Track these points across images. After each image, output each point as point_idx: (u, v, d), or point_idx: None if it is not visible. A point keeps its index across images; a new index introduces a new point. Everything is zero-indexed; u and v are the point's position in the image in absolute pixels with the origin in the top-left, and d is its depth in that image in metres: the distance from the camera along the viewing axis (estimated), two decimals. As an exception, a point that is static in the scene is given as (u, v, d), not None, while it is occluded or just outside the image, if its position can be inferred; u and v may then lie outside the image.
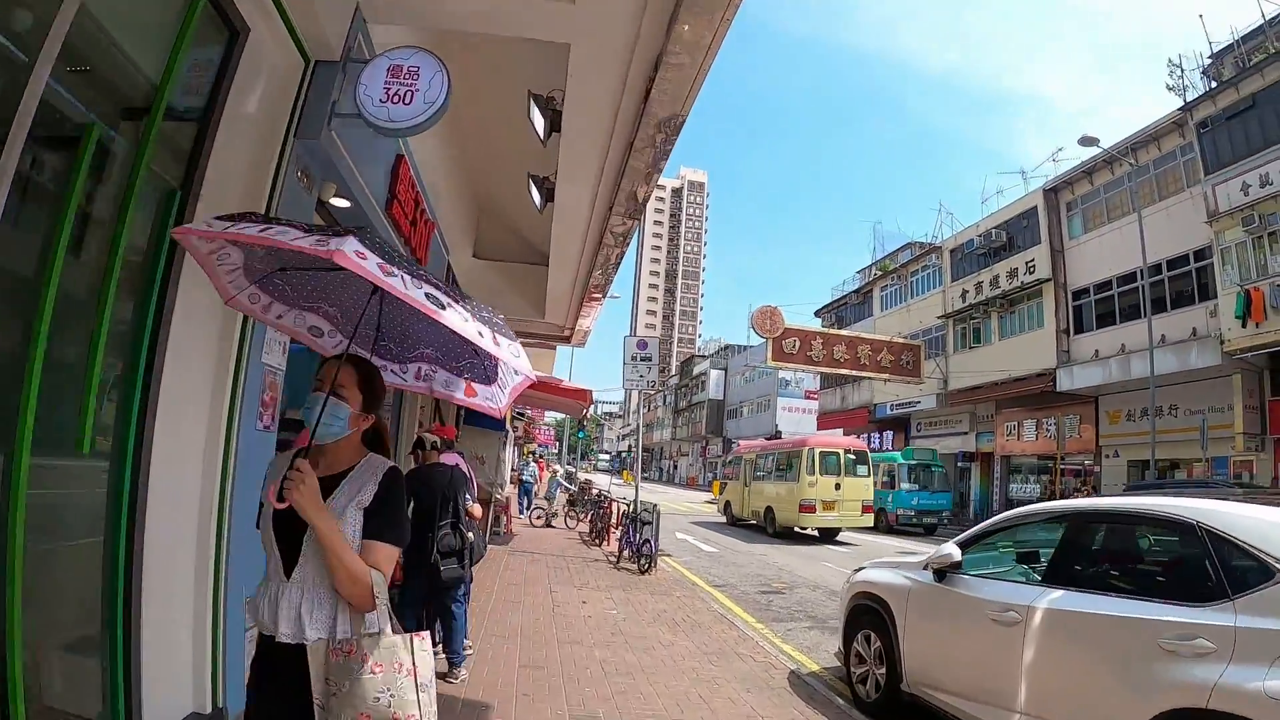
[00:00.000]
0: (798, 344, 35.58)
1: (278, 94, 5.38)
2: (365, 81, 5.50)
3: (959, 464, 40.77)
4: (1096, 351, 30.00)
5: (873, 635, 7.33)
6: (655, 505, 15.66)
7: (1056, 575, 5.56)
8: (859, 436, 48.87)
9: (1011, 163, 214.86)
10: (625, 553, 15.69)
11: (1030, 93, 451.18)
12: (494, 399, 3.47)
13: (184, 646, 4.75)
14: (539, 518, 23.90)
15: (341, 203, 6.82)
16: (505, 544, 17.53)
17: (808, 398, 69.25)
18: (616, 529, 18.15)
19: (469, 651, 7.67)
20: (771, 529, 26.68)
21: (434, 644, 7.43)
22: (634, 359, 15.71)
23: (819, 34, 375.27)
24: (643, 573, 14.37)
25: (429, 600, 7.23)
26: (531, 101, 7.70)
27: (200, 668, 4.81)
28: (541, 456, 64.83)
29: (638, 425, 19.96)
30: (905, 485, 31.44)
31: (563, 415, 53.70)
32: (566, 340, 17.79)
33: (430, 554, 6.86)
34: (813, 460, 25.70)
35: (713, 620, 10.66)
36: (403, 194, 7.95)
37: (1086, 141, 25.84)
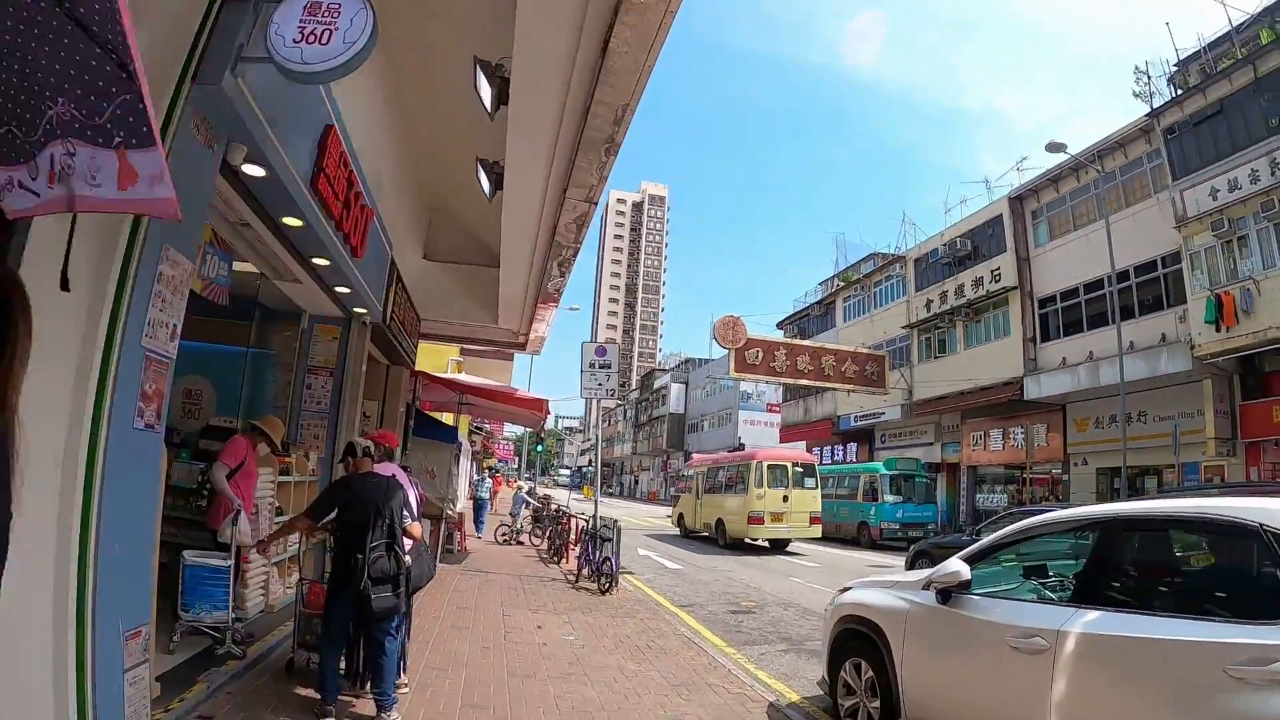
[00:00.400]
0: (760, 355, 34.88)
1: (172, 29, 4.46)
2: (278, 20, 4.71)
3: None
4: (1064, 359, 29.66)
5: (863, 664, 6.48)
6: (616, 521, 14.80)
7: (1089, 593, 4.76)
8: (822, 449, 48.93)
9: (969, 178, 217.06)
10: (585, 571, 14.74)
11: (987, 109, 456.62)
12: (159, 180, 2.51)
13: (41, 701, 3.84)
14: (504, 535, 22.95)
15: (255, 170, 5.91)
16: (458, 563, 16.53)
17: (769, 411, 68.79)
18: (575, 546, 17.25)
19: (403, 690, 6.72)
20: (722, 540, 27.07)
21: (360, 684, 6.49)
22: (593, 366, 14.82)
23: (777, 51, 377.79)
24: (603, 593, 13.46)
25: (358, 633, 6.30)
26: (478, 69, 6.85)
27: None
28: (499, 472, 63.85)
29: (597, 439, 18.69)
30: (889, 498, 30.79)
31: (522, 428, 52.87)
32: (522, 347, 16.95)
33: (359, 578, 5.88)
34: (761, 473, 26.34)
35: (680, 645, 9.77)
36: (331, 169, 7.04)
37: (1054, 147, 25.42)
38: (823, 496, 29.38)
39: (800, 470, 27.43)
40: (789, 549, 26.54)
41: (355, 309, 10.36)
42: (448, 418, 22.75)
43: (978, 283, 34.36)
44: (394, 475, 6.72)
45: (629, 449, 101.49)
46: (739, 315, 34.33)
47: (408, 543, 6.53)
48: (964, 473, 36.87)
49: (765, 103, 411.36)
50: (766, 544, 26.73)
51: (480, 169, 8.82)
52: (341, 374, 10.88)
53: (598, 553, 14.22)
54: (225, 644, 7.10)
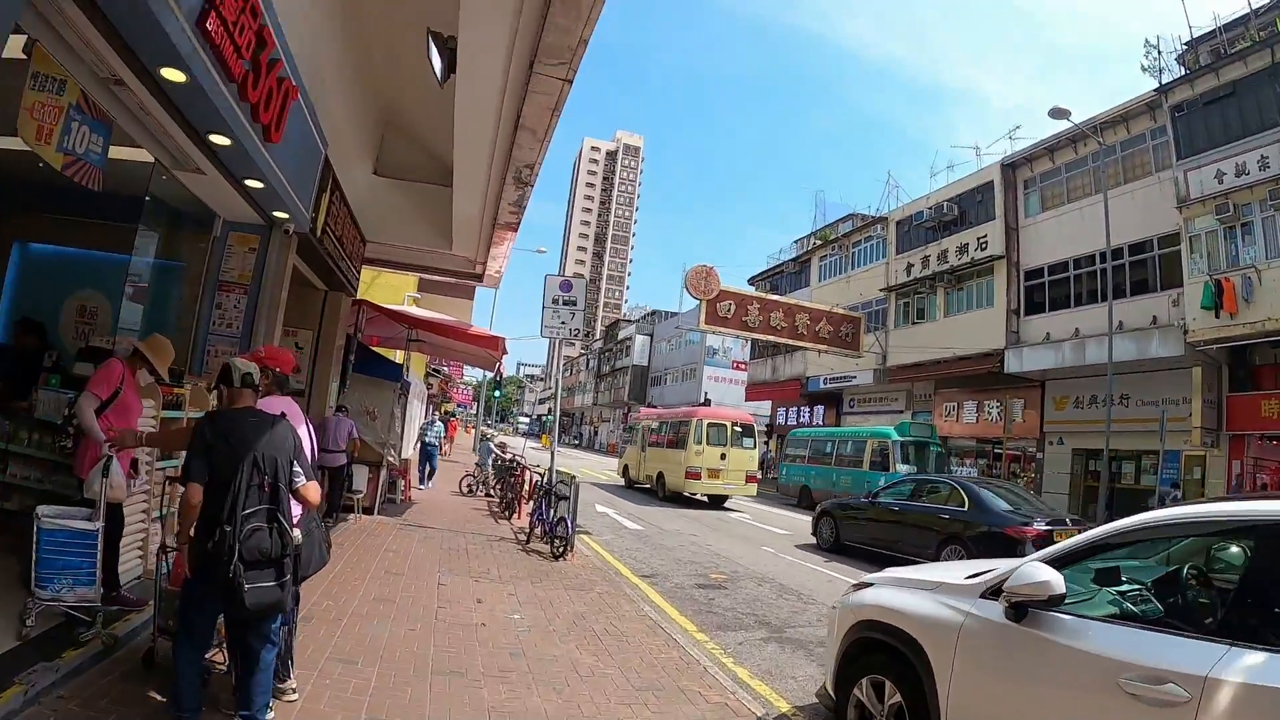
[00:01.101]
0: (733, 308, 33.36)
1: None
2: None
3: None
4: (1048, 334, 28.76)
5: (888, 685, 5.00)
6: (574, 478, 13.27)
7: (1247, 624, 3.35)
8: (788, 410, 48.00)
9: (945, 152, 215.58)
10: (537, 530, 13.24)
11: (967, 88, 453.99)
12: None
13: None
14: (469, 485, 21.55)
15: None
16: (399, 514, 15.03)
17: (735, 368, 67.73)
18: (529, 501, 15.79)
19: (290, 697, 5.10)
20: (661, 493, 28.11)
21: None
22: (555, 302, 13.16)
23: (762, 13, 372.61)
24: (557, 558, 11.94)
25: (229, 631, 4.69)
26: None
27: None
28: (455, 416, 62.22)
29: (556, 384, 17.02)
30: (900, 467, 27.11)
31: (480, 372, 51.21)
32: (479, 279, 15.31)
33: (227, 560, 4.14)
34: (701, 430, 26.97)
35: (645, 631, 8.24)
36: (230, 10, 5.34)
37: (1058, 113, 23.99)
38: (820, 463, 31.32)
39: (739, 430, 27.88)
40: (726, 505, 27.88)
41: (275, 213, 8.62)
42: (399, 356, 21.15)
43: (962, 249, 33.21)
44: (283, 414, 4.84)
45: (590, 399, 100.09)
46: (713, 265, 32.71)
47: (296, 510, 4.76)
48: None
49: (745, 64, 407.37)
50: (705, 499, 27.52)
51: (431, 44, 7.12)
52: (258, 291, 9.16)
53: (552, 512, 12.74)
54: (95, 627, 5.43)
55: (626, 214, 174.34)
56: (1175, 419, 23.04)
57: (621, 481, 33.93)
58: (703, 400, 42.91)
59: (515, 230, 12.85)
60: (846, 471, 29.48)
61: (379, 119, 11.91)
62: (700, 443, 26.68)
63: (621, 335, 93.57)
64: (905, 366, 36.06)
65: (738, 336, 36.98)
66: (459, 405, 69.83)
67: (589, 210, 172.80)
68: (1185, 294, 23.03)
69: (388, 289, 19.42)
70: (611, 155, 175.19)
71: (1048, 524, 12.60)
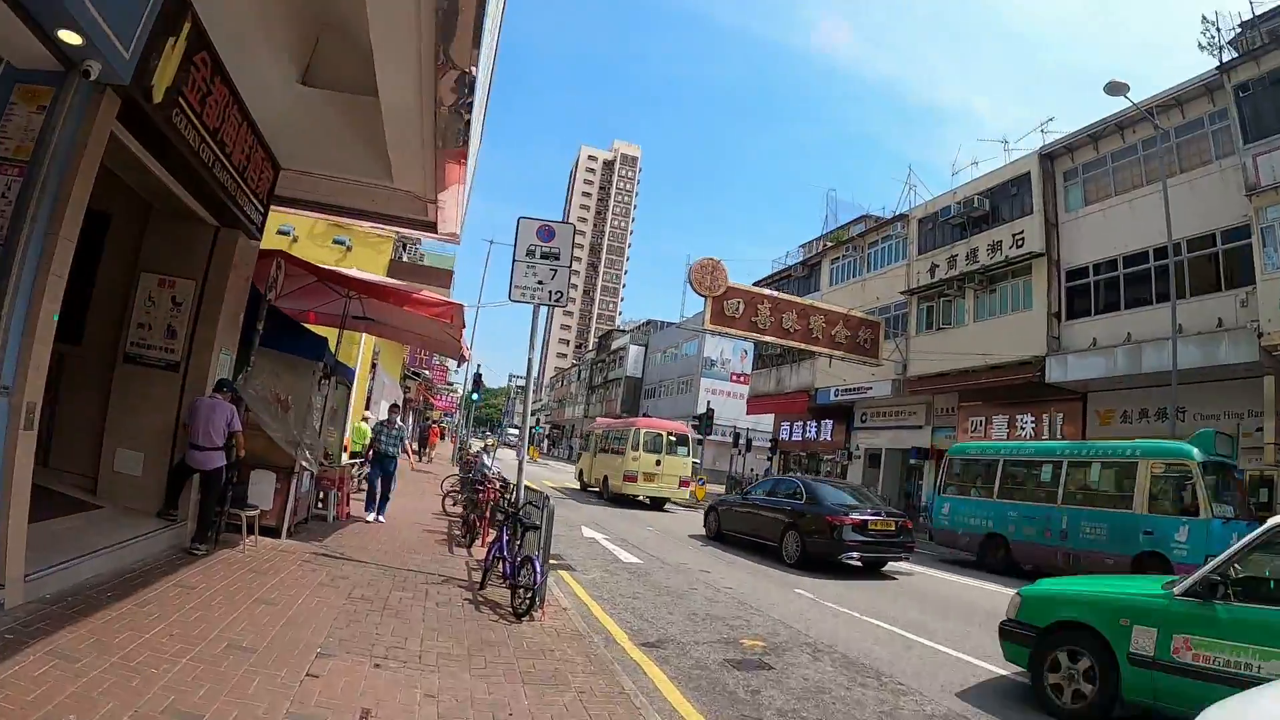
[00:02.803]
0: (741, 307, 29.85)
1: None
2: None
3: (910, 460, 36.33)
4: (1094, 340, 25.61)
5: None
6: (548, 500, 9.46)
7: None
8: (793, 424, 45.13)
9: (938, 172, 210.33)
10: (500, 568, 9.57)
11: (962, 108, 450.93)
12: None
13: None
14: (453, 502, 17.43)
15: None
16: (322, 537, 11.42)
17: (734, 380, 64.34)
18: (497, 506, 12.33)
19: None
20: (605, 494, 30.82)
21: None
22: (531, 254, 9.54)
23: (751, 28, 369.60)
24: (519, 616, 8.16)
25: None
26: None
27: None
28: (437, 423, 58.61)
29: (531, 366, 10.63)
30: (1215, 508, 15.12)
31: (458, 372, 48.24)
32: (431, 229, 11.61)
33: None
34: (638, 439, 29.64)
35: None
36: None
37: (1115, 89, 20.66)
38: (1026, 498, 19.05)
39: (674, 439, 30.53)
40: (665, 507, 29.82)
41: (61, 33, 5.04)
42: (356, 343, 17.50)
43: (995, 247, 29.93)
44: None
45: (581, 411, 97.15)
46: (720, 259, 29.19)
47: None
48: (956, 462, 32.23)
49: (737, 79, 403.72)
50: (647, 500, 29.87)
51: None
52: (40, 171, 5.52)
53: (516, 545, 9.16)
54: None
55: (622, 224, 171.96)
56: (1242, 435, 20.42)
57: (577, 485, 36.13)
58: (705, 412, 39.57)
59: (463, 161, 9.33)
60: (1093, 515, 17.21)
61: (315, 16, 8.52)
62: (637, 449, 29.38)
63: (615, 345, 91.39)
64: (927, 377, 32.72)
65: (746, 338, 33.28)
66: (445, 414, 66.27)
67: (584, 220, 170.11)
68: (1259, 292, 20.24)
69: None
70: (609, 165, 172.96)
71: (870, 513, 15.80)
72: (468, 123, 8.16)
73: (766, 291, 33.17)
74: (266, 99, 8.90)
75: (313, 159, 10.17)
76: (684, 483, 30.31)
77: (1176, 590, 6.60)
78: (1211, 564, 6.56)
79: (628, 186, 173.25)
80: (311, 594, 7.81)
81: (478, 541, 13.01)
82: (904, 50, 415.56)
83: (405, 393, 42.74)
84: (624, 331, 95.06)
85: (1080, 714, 6.80)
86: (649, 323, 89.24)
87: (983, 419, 30.84)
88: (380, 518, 14.24)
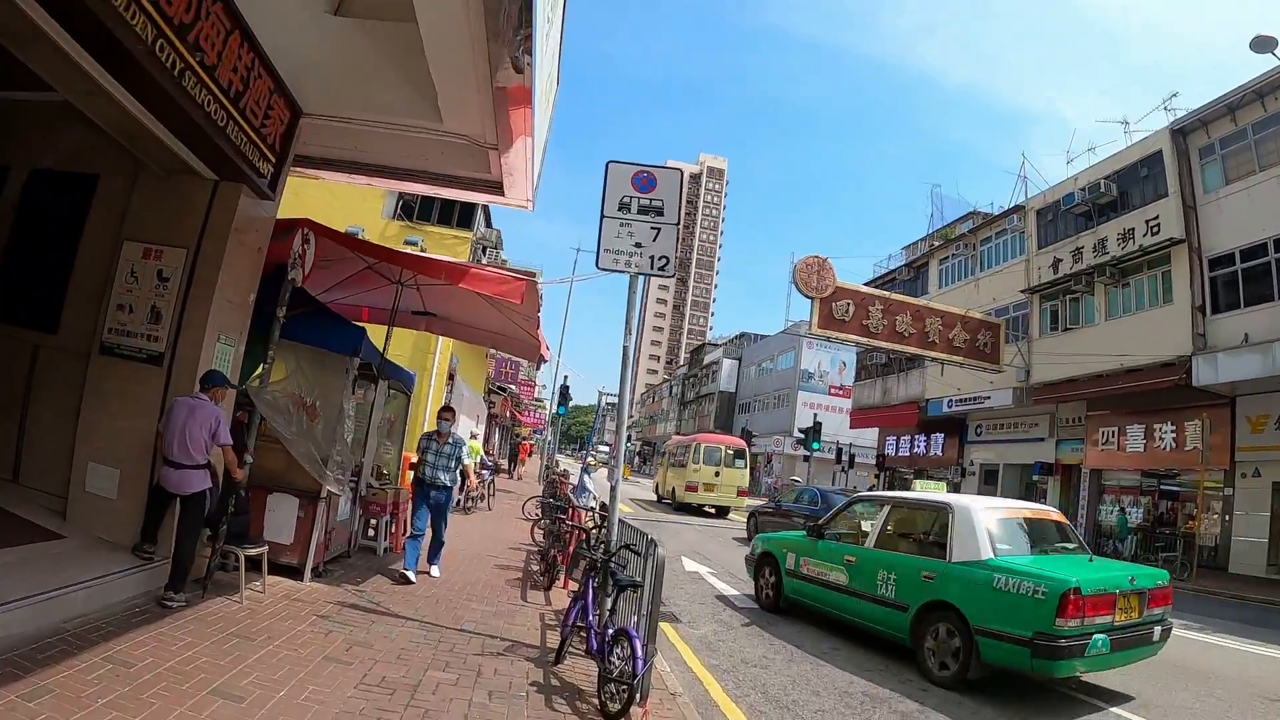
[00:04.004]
0: (851, 309, 27.29)
1: None
2: None
3: (1033, 477, 32.90)
4: (1246, 335, 22.64)
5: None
6: (653, 542, 6.64)
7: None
8: (899, 439, 42.61)
9: (1085, 133, 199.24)
10: (581, 633, 7.07)
11: (1047, 110, 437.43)
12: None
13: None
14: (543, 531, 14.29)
15: None
16: (360, 580, 9.21)
17: (832, 394, 61.44)
18: (579, 549, 10.06)
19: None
20: (672, 503, 34.15)
21: None
22: (625, 207, 7.26)
23: (838, 41, 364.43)
24: (610, 720, 5.79)
25: None
26: None
27: None
28: (525, 440, 56.96)
29: (625, 366, 8.28)
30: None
31: (551, 391, 46.24)
32: (498, 190, 9.34)
33: None
34: (698, 453, 32.93)
35: None
36: None
37: (1261, 44, 17.81)
38: None
39: (733, 453, 33.72)
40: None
41: None
42: (424, 352, 15.43)
43: (1127, 235, 26.88)
44: None
45: (673, 428, 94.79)
46: (826, 256, 26.69)
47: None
48: (1084, 478, 29.68)
49: (818, 93, 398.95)
50: (712, 510, 32.18)
51: None
52: None
53: (606, 606, 6.71)
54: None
55: (711, 238, 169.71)
56: None
57: (654, 497, 38.95)
58: (811, 425, 37.11)
59: (528, 104, 7.15)
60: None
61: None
62: (698, 462, 32.42)
63: (707, 360, 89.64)
64: (1054, 383, 29.62)
65: (856, 343, 30.57)
66: (534, 431, 64.65)
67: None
68: None
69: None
70: (695, 178, 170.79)
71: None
72: (527, 40, 5.98)
73: (878, 292, 30.62)
74: (306, 43, 7.02)
75: (344, 99, 8.04)
76: (742, 492, 32.80)
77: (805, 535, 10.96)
78: (819, 521, 11.26)
79: (715, 200, 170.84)
80: (309, 675, 5.52)
81: (559, 582, 10.75)
82: (987, 55, 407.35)
83: (490, 408, 41.12)
84: (716, 345, 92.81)
85: (768, 602, 11.28)
86: (742, 335, 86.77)
87: (1114, 429, 27.93)
88: (432, 569, 10.08)
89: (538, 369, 28.81)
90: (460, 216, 24.47)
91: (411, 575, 9.41)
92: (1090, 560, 8.37)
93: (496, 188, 9.34)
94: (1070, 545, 8.90)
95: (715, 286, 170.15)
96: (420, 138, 8.38)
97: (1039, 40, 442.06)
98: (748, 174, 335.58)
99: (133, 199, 7.64)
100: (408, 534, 10.12)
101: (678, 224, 7.54)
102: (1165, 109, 27.52)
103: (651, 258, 7.43)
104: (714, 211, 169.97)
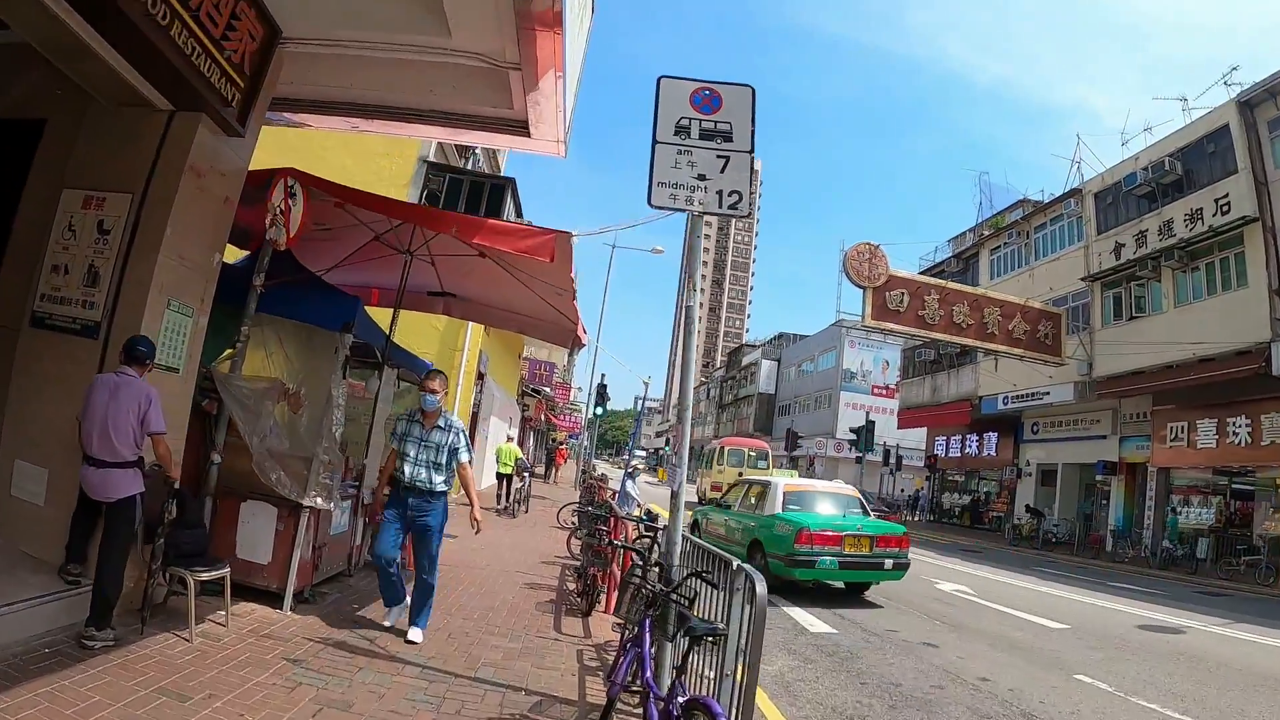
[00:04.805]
0: (906, 298, 25.67)
1: None
2: None
3: (1096, 477, 31.21)
4: None
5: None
6: (742, 568, 4.89)
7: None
8: (949, 440, 41.26)
9: (1057, 175, 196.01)
10: (633, 687, 5.15)
11: (1077, 105, 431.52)
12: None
13: None
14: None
15: None
16: (358, 606, 7.62)
17: (875, 394, 59.52)
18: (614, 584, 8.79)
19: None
20: (701, 501, 31.78)
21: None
22: (681, 131, 5.62)
23: (864, 39, 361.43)
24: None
25: None
26: None
27: None
28: (562, 445, 55.39)
29: (686, 327, 6.81)
30: None
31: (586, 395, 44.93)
32: (523, 130, 7.71)
33: None
34: (722, 455, 36.27)
35: None
36: None
37: None
38: None
39: (754, 454, 35.99)
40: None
41: None
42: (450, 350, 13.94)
43: (1194, 216, 25.30)
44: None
45: (711, 431, 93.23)
46: (877, 244, 24.99)
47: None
48: (1152, 477, 27.75)
49: (847, 92, 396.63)
50: None
51: None
52: None
53: (668, 658, 5.15)
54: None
55: (746, 239, 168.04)
56: None
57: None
58: (863, 425, 35.74)
59: (558, 28, 5.66)
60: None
61: None
62: (722, 464, 35.22)
63: (745, 361, 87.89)
64: (1120, 376, 27.95)
65: (912, 336, 28.64)
66: (570, 435, 63.10)
67: (707, 236, 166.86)
68: None
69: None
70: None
71: None
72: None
73: (934, 280, 28.89)
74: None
75: (329, 13, 6.53)
76: None
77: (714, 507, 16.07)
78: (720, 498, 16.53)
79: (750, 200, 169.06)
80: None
81: (599, 606, 9.04)
82: (1015, 52, 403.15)
83: (523, 410, 39.69)
84: (754, 346, 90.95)
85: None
86: (780, 336, 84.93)
87: (1183, 425, 26.19)
88: (412, 632, 6.70)
89: (572, 355, 26.95)
90: (489, 205, 23.15)
91: (389, 622, 6.90)
92: (860, 517, 12.99)
93: (521, 128, 7.71)
94: (854, 509, 13.35)
95: (751, 288, 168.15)
96: (426, 62, 6.82)
97: (1064, 35, 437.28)
98: (781, 177, 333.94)
99: (78, 141, 6.18)
100: (380, 558, 6.77)
101: (750, 152, 5.92)
102: (1225, 84, 25.70)
103: (720, 193, 5.80)
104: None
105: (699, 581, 4.92)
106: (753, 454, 35.74)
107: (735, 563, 5.05)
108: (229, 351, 6.65)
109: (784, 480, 14.35)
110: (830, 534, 11.78)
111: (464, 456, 6.82)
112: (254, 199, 6.82)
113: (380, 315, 9.23)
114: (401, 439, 6.69)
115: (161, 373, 5.75)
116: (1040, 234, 34.58)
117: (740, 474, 29.94)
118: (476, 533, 6.92)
